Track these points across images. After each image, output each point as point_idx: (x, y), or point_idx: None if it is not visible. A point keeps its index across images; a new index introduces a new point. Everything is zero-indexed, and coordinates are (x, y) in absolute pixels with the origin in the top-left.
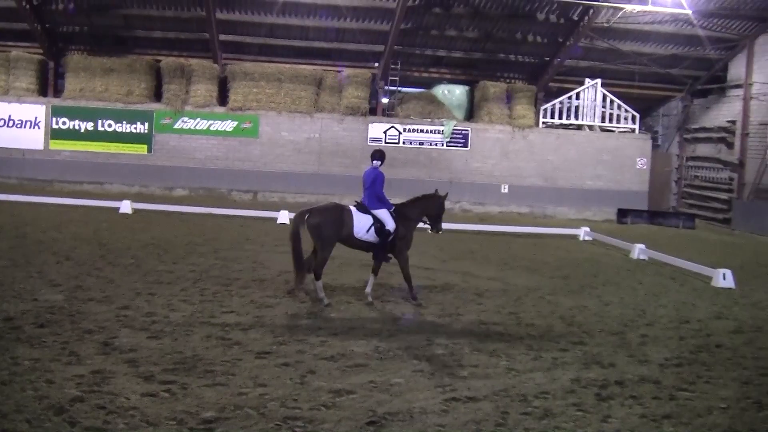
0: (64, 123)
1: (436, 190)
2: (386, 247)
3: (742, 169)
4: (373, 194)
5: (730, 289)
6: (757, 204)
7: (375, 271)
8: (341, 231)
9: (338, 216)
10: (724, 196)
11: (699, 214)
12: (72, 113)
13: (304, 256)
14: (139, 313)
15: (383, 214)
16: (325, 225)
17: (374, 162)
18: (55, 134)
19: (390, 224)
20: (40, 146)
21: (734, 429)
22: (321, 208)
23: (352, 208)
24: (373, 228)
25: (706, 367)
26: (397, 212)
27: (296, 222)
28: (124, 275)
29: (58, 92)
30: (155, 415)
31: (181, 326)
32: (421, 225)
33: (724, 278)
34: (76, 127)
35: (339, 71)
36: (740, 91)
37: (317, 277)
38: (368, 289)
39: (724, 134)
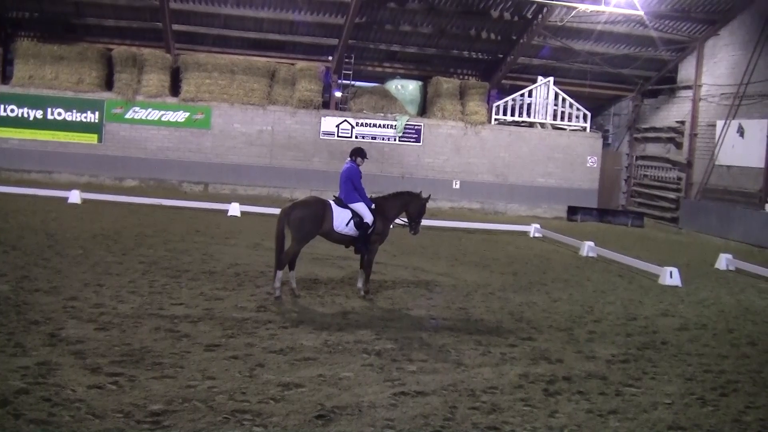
0: (12, 110)
1: (420, 192)
2: (367, 240)
3: (690, 169)
4: (351, 189)
5: (677, 287)
6: (704, 203)
7: (363, 266)
8: (322, 226)
9: (320, 210)
10: (672, 195)
11: (648, 212)
12: (20, 101)
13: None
14: (86, 305)
15: (360, 208)
16: (308, 219)
17: (358, 159)
18: (3, 122)
19: (368, 217)
20: None
21: (678, 424)
22: (304, 203)
23: (332, 203)
24: (352, 222)
25: (651, 363)
26: (377, 207)
27: (281, 221)
28: (72, 266)
29: (6, 79)
30: (102, 407)
31: (129, 318)
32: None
33: (670, 276)
34: (25, 115)
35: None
36: (689, 92)
37: (280, 267)
38: (359, 284)
39: (673, 134)
